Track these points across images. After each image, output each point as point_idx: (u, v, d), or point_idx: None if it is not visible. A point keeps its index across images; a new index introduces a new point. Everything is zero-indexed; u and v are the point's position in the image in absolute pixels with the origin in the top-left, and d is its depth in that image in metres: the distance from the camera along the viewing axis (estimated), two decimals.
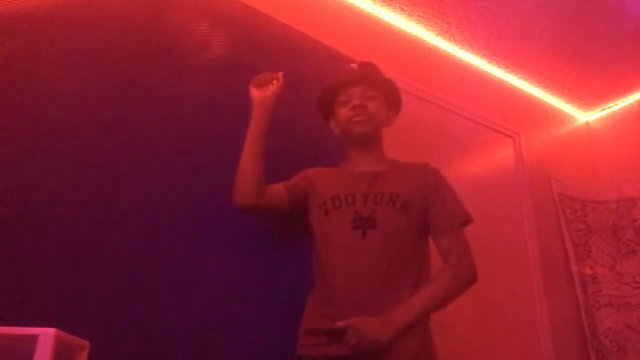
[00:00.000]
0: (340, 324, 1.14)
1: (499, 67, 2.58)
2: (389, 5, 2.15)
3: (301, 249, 1.44)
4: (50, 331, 0.75)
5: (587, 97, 2.85)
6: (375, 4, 2.15)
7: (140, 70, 1.40)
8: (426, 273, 1.31)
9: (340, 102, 1.42)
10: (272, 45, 1.70)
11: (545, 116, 2.84)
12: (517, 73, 2.63)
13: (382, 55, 2.11)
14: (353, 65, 1.47)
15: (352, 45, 1.96)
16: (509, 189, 2.46)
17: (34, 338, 0.74)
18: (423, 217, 1.33)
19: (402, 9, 2.18)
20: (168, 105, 1.42)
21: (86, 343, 0.90)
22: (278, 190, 1.37)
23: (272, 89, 1.39)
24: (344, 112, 1.41)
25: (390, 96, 1.46)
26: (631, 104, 2.86)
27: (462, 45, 2.41)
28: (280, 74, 1.42)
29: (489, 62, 2.54)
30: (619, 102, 2.90)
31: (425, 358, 1.23)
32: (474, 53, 2.46)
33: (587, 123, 3.05)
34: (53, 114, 1.23)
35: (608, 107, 2.95)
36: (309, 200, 1.40)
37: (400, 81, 2.09)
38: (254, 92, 1.39)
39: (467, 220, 1.36)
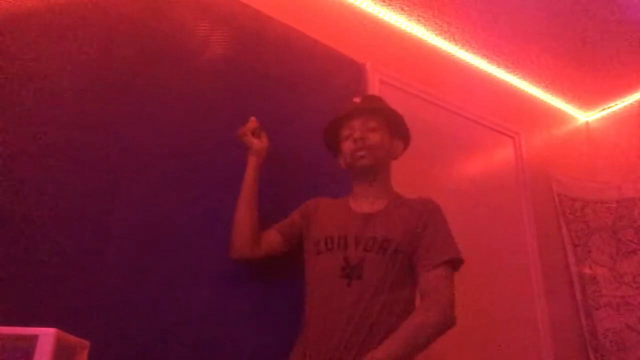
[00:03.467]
0: None
1: (499, 67, 2.58)
2: (389, 5, 2.15)
3: (298, 249, 1.44)
4: (50, 331, 0.75)
5: (587, 97, 2.85)
6: (375, 4, 2.14)
7: (140, 70, 1.40)
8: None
9: (343, 136, 1.41)
10: (272, 45, 1.70)
11: (545, 116, 2.84)
12: (517, 73, 2.62)
13: (382, 55, 2.11)
14: (356, 99, 1.46)
15: (352, 45, 1.97)
16: (509, 189, 2.45)
17: (34, 338, 0.74)
18: (410, 260, 1.28)
19: (402, 9, 2.18)
20: (168, 105, 1.42)
21: (86, 343, 0.90)
22: (273, 237, 1.39)
23: (265, 139, 1.43)
24: (347, 146, 1.39)
25: (394, 126, 1.43)
26: (631, 104, 2.86)
27: (462, 45, 2.41)
28: (252, 118, 1.44)
29: (489, 62, 2.54)
30: (619, 102, 2.90)
31: None
32: (474, 53, 2.46)
33: (587, 123, 3.05)
34: (53, 114, 1.23)
35: (608, 107, 2.95)
36: (304, 235, 1.41)
37: (400, 81, 2.10)
38: (254, 142, 1.42)
39: (455, 258, 1.26)
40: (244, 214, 1.36)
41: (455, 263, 1.27)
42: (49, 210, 1.16)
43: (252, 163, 1.41)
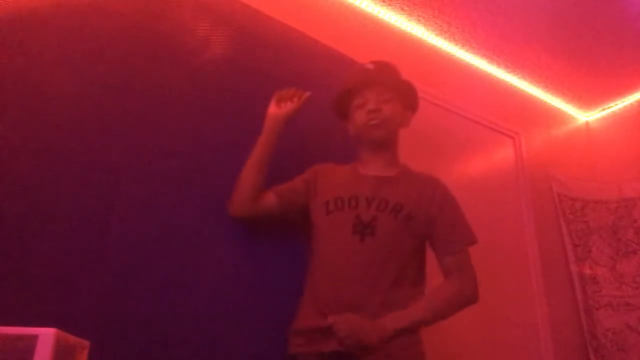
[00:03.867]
0: (331, 319, 1.15)
1: (499, 67, 2.58)
2: (389, 5, 2.15)
3: (298, 248, 1.45)
4: (50, 331, 0.75)
5: (587, 97, 2.85)
6: (375, 4, 2.15)
7: (140, 70, 1.40)
8: (420, 285, 1.31)
9: (355, 105, 1.41)
10: (272, 45, 1.70)
11: (545, 116, 2.84)
12: (517, 73, 2.63)
13: (383, 55, 2.10)
14: (369, 65, 1.45)
15: (352, 45, 1.96)
16: (509, 189, 2.46)
17: (34, 338, 0.74)
18: (424, 232, 1.32)
19: (402, 9, 2.18)
20: (168, 105, 1.42)
21: (86, 343, 0.90)
22: (268, 198, 1.38)
23: (289, 107, 1.42)
24: (359, 116, 1.39)
25: (406, 97, 1.44)
26: (631, 104, 2.86)
27: (462, 45, 2.41)
28: (306, 94, 1.44)
29: (489, 62, 2.54)
30: (619, 102, 2.90)
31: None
32: (474, 53, 2.46)
33: (587, 123, 3.05)
34: (53, 114, 1.23)
35: (608, 107, 2.95)
36: (312, 198, 1.40)
37: None
38: (271, 107, 1.43)
39: (473, 242, 1.36)
40: (248, 173, 1.37)
41: (473, 244, 1.37)
42: (49, 210, 1.16)
43: (264, 127, 1.41)
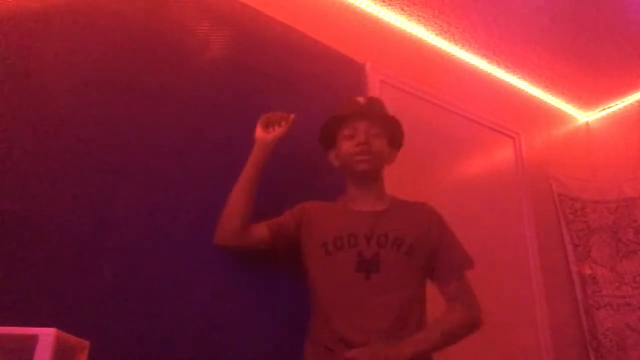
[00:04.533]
0: (349, 353, 1.16)
1: (499, 67, 2.58)
2: (389, 5, 2.15)
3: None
4: (50, 331, 0.75)
5: (587, 97, 2.85)
6: (375, 4, 2.15)
7: (140, 70, 1.40)
8: (424, 317, 1.32)
9: (344, 135, 1.39)
10: (272, 45, 1.70)
11: (545, 116, 2.84)
12: (517, 73, 2.63)
13: (382, 55, 2.11)
14: (360, 98, 1.45)
15: (352, 45, 1.97)
16: (509, 189, 2.45)
17: (34, 338, 0.74)
18: (425, 262, 1.32)
19: (402, 9, 2.18)
20: (168, 105, 1.42)
21: (86, 343, 0.90)
22: (260, 232, 1.36)
23: (277, 132, 1.40)
24: (347, 147, 1.38)
25: (393, 134, 1.44)
26: (631, 104, 2.86)
27: (462, 45, 2.41)
28: (291, 116, 1.42)
29: (489, 62, 2.54)
30: (619, 102, 2.90)
31: None
32: (474, 53, 2.46)
33: (587, 123, 3.05)
34: (53, 114, 1.23)
35: (608, 107, 2.95)
36: (304, 238, 1.38)
37: (400, 81, 2.10)
38: (259, 132, 1.41)
39: (472, 265, 1.38)
40: (236, 201, 1.34)
41: (471, 267, 1.38)
42: (49, 210, 1.16)
43: (252, 152, 1.39)
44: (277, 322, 1.41)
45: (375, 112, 1.42)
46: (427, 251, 1.32)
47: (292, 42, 1.76)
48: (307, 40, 1.81)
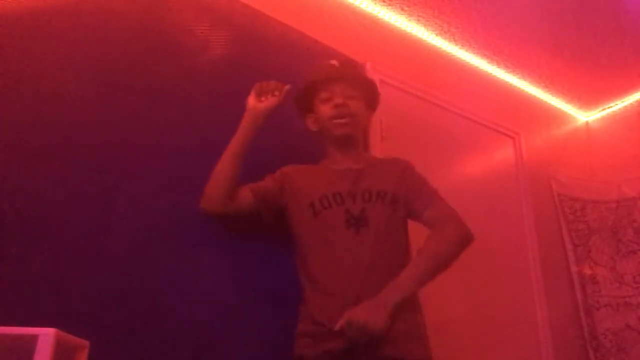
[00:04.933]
0: (337, 326, 1.13)
1: (499, 67, 2.58)
2: (389, 5, 2.15)
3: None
4: (50, 331, 0.75)
5: (587, 97, 2.85)
6: (375, 4, 2.14)
7: (140, 71, 1.40)
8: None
9: (321, 98, 1.41)
10: (272, 45, 1.70)
11: (545, 116, 2.84)
12: (517, 73, 2.62)
13: (382, 55, 2.11)
14: (333, 61, 1.46)
15: (352, 45, 1.97)
16: (509, 189, 2.45)
17: (34, 338, 0.74)
18: (406, 208, 1.36)
19: (402, 9, 2.18)
20: (168, 105, 1.42)
21: (86, 343, 0.91)
22: (244, 195, 1.35)
23: (269, 101, 1.39)
24: (325, 110, 1.40)
25: (369, 96, 1.47)
26: (631, 104, 2.86)
27: (462, 45, 2.41)
28: (286, 87, 1.41)
29: (489, 62, 2.54)
30: (619, 102, 2.90)
31: (417, 336, 1.24)
32: (474, 53, 2.46)
33: (587, 123, 3.05)
34: (53, 114, 1.23)
35: (608, 107, 2.95)
36: (289, 202, 1.38)
37: (400, 81, 2.10)
38: (250, 100, 1.39)
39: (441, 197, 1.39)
40: (223, 168, 1.33)
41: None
42: (48, 210, 1.16)
43: (243, 119, 1.38)
44: (278, 323, 1.41)
45: (350, 74, 1.44)
46: (404, 197, 1.35)
47: (292, 42, 1.76)
48: (307, 40, 1.81)
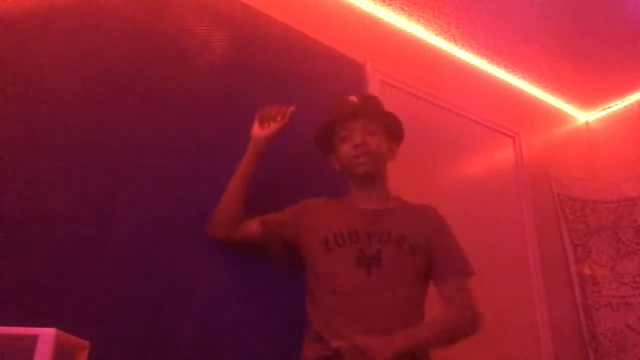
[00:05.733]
0: (337, 343, 1.12)
1: (499, 67, 2.57)
2: (389, 5, 2.15)
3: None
4: (50, 331, 0.75)
5: (587, 97, 2.85)
6: (375, 4, 2.14)
7: (140, 70, 1.40)
8: (421, 314, 1.30)
9: (340, 137, 1.38)
10: (272, 45, 1.70)
11: (545, 116, 2.84)
12: (517, 73, 2.62)
13: (382, 55, 2.11)
14: (352, 98, 1.42)
15: (352, 45, 1.97)
16: (509, 189, 2.45)
17: (34, 338, 0.74)
18: (426, 263, 1.31)
19: (402, 9, 2.18)
20: (168, 104, 1.43)
21: (86, 343, 0.91)
22: (251, 227, 1.36)
23: (271, 128, 1.39)
24: (345, 150, 1.36)
25: (391, 129, 1.42)
26: (631, 104, 2.86)
27: (462, 45, 2.41)
28: (289, 110, 1.41)
29: (489, 62, 2.53)
30: (619, 102, 2.90)
31: None
32: (474, 53, 2.46)
33: (587, 123, 3.05)
34: (53, 114, 1.23)
35: (608, 107, 2.95)
36: (304, 234, 1.36)
37: (400, 81, 2.10)
38: (254, 128, 1.40)
39: (471, 272, 1.34)
40: (227, 198, 1.35)
41: (471, 276, 1.35)
42: (49, 210, 1.16)
43: (248, 149, 1.39)
44: (278, 324, 1.41)
45: (369, 110, 1.40)
46: (425, 248, 1.31)
47: (292, 42, 1.76)
48: (307, 40, 1.81)
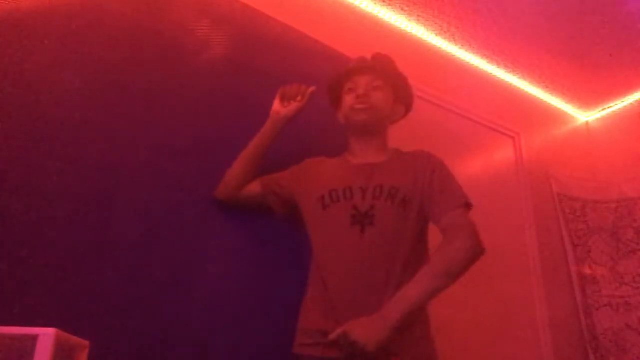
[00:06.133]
0: (332, 335, 1.11)
1: (499, 67, 2.58)
2: (389, 5, 2.15)
3: (298, 246, 1.44)
4: (50, 331, 0.75)
5: (587, 97, 2.85)
6: (375, 4, 2.15)
7: (140, 70, 1.40)
8: None
9: (346, 90, 1.41)
10: (272, 45, 1.70)
11: (545, 116, 2.84)
12: (517, 73, 2.63)
13: None
14: (367, 56, 1.45)
15: (352, 45, 1.96)
16: (509, 189, 2.46)
17: (34, 338, 0.74)
18: (421, 208, 1.28)
19: (402, 9, 2.18)
20: (167, 105, 1.42)
21: (86, 343, 0.90)
22: (252, 187, 1.41)
23: (292, 107, 1.42)
24: (347, 100, 1.39)
25: (399, 90, 1.43)
26: (631, 104, 2.86)
27: (462, 45, 2.41)
28: (310, 89, 1.44)
29: (489, 62, 2.54)
30: (619, 102, 2.90)
31: (422, 352, 1.19)
32: (474, 53, 2.46)
33: (587, 123, 3.05)
34: (53, 114, 1.23)
35: (608, 107, 2.95)
36: (303, 193, 1.38)
37: None
38: (275, 104, 1.44)
39: (468, 203, 1.28)
40: (237, 166, 1.40)
41: (469, 207, 1.28)
42: (48, 210, 1.16)
43: (266, 123, 1.43)
44: (278, 324, 1.41)
45: (379, 67, 1.42)
46: (420, 196, 1.28)
47: (292, 42, 1.76)
48: (307, 40, 1.81)
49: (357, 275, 1.21)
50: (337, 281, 1.23)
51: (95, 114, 1.29)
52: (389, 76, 1.42)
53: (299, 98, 1.43)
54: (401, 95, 1.44)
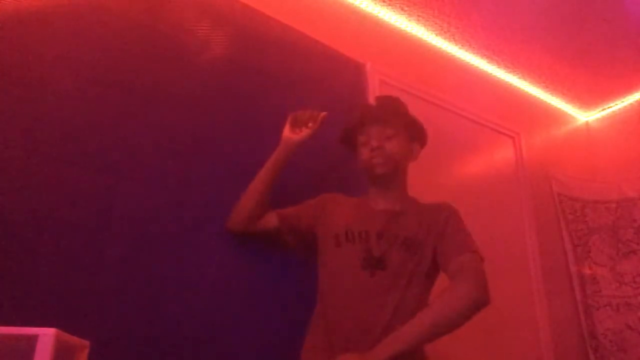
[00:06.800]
0: None
1: (499, 67, 2.58)
2: (389, 5, 2.15)
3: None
4: (50, 331, 0.75)
5: (587, 97, 2.85)
6: (375, 4, 2.15)
7: (140, 70, 1.40)
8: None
9: (360, 142, 1.41)
10: (272, 45, 1.70)
11: (545, 116, 2.84)
12: (517, 73, 2.62)
13: (382, 55, 2.11)
14: (371, 102, 1.46)
15: (352, 45, 1.97)
16: (509, 189, 2.46)
17: (34, 338, 0.74)
18: (435, 262, 1.29)
19: (402, 9, 2.18)
20: (168, 104, 1.42)
21: (86, 343, 0.91)
22: (269, 219, 1.39)
23: (303, 134, 1.42)
24: (363, 154, 1.39)
25: (411, 129, 1.43)
26: (631, 104, 2.86)
27: (462, 45, 2.41)
28: (321, 115, 1.43)
29: (489, 62, 2.54)
30: (619, 102, 2.90)
31: None
32: (474, 53, 2.46)
33: (587, 123, 3.05)
34: (53, 114, 1.23)
35: (608, 107, 2.95)
36: (320, 228, 1.39)
37: (400, 81, 2.10)
38: (286, 130, 1.43)
39: (480, 254, 1.26)
40: (249, 196, 1.38)
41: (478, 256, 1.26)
42: (49, 210, 1.16)
43: (277, 150, 1.42)
44: (278, 324, 1.41)
45: (386, 114, 1.41)
46: (434, 245, 1.29)
47: (292, 42, 1.76)
48: (307, 40, 1.81)
49: (362, 318, 1.21)
50: (341, 322, 1.23)
51: (95, 114, 1.29)
52: (399, 121, 1.41)
53: (310, 124, 1.43)
54: (415, 135, 1.45)
